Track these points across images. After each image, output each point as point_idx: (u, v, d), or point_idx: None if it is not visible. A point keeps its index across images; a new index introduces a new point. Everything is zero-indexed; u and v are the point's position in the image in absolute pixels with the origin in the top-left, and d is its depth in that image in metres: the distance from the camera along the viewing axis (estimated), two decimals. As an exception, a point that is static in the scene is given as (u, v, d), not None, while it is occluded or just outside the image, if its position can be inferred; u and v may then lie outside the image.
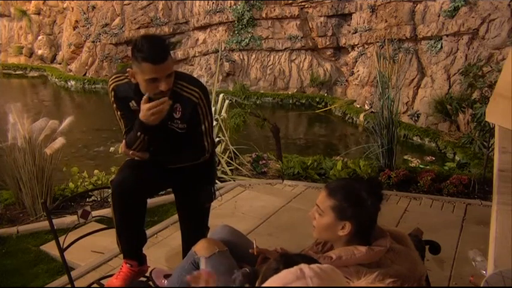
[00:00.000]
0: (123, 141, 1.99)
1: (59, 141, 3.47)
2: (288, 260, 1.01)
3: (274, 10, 10.76)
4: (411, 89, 7.96)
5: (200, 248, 1.69)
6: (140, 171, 2.00)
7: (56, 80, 12.69)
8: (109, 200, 2.05)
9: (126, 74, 1.90)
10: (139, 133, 1.89)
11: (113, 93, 1.99)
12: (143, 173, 1.99)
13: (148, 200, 3.55)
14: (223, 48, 10.67)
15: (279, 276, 0.90)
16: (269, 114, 7.73)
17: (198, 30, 11.56)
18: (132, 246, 2.13)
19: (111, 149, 4.88)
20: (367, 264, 1.30)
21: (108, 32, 12.19)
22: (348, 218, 1.35)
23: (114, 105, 2.02)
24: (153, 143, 1.98)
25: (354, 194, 1.36)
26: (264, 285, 0.93)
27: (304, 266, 0.90)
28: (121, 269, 2.12)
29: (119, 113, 2.03)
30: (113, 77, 2.01)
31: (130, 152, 1.96)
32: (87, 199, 3.70)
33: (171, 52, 12.04)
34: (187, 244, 1.88)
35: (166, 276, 1.98)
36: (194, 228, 2.19)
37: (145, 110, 1.82)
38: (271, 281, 0.91)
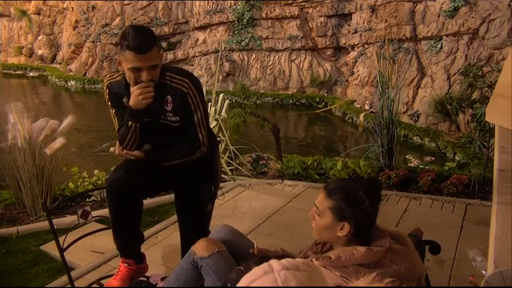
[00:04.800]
0: (117, 141, 1.97)
1: (59, 141, 3.47)
2: (260, 259, 1.02)
3: (274, 10, 10.76)
4: (411, 89, 7.96)
5: (199, 248, 1.69)
6: (135, 170, 1.97)
7: (56, 80, 12.69)
8: (109, 199, 2.05)
9: (120, 72, 1.90)
10: (130, 122, 1.88)
11: (107, 90, 1.99)
12: (138, 172, 1.96)
13: (149, 200, 3.61)
14: (223, 48, 10.67)
15: (250, 273, 0.91)
16: (269, 114, 7.73)
17: (198, 30, 11.56)
18: (127, 245, 2.12)
19: (111, 149, 4.87)
20: (366, 265, 1.31)
21: (108, 32, 12.19)
22: (346, 218, 1.35)
23: (109, 103, 2.02)
24: (147, 140, 1.96)
25: (352, 195, 1.36)
26: (238, 285, 0.93)
27: (273, 261, 0.91)
28: (119, 268, 2.12)
29: (113, 110, 2.02)
30: (108, 75, 2.03)
31: (124, 152, 1.93)
32: (87, 199, 3.70)
33: (172, 52, 11.81)
34: (187, 247, 1.86)
35: (163, 279, 1.98)
36: (194, 230, 2.10)
37: (133, 91, 1.82)
38: (242, 280, 0.91)
